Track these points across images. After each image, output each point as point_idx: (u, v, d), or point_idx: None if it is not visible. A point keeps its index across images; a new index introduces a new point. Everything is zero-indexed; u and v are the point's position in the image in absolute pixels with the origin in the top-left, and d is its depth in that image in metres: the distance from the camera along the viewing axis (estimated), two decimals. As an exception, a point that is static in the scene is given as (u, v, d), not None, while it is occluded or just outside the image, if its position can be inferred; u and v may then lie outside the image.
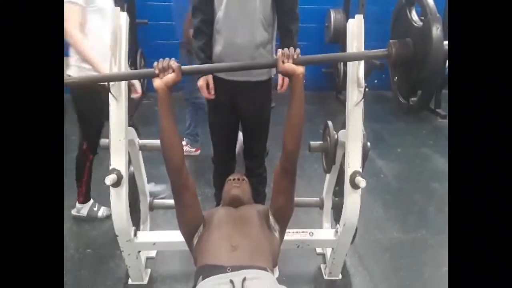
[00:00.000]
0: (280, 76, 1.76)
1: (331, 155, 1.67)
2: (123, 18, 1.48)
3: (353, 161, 1.50)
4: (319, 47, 4.67)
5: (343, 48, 3.89)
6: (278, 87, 1.76)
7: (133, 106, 3.43)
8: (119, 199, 1.51)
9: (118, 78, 1.47)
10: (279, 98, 1.89)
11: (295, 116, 1.28)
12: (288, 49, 1.25)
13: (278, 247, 1.34)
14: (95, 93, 1.88)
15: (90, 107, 2.04)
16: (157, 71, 1.23)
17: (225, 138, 1.90)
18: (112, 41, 1.47)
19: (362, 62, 1.47)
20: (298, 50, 1.25)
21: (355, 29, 1.46)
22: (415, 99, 1.33)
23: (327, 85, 4.70)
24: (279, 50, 1.27)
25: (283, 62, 1.25)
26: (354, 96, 1.48)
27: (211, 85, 1.72)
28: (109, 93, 1.47)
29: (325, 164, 1.79)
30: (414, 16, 1.43)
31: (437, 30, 1.18)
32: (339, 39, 4.18)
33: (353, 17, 1.50)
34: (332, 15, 4.30)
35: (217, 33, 1.66)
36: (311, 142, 1.76)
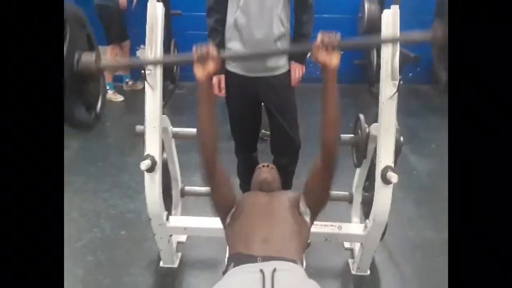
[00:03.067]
0: (292, 69, 1.76)
1: (362, 149, 1.65)
2: (159, 8, 1.51)
3: (385, 156, 1.47)
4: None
5: (378, 40, 3.80)
6: (292, 81, 1.76)
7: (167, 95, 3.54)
8: (153, 184, 1.56)
9: (156, 62, 1.51)
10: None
11: (331, 109, 1.23)
12: (327, 36, 1.17)
13: (308, 232, 1.34)
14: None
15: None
16: (195, 57, 1.20)
17: (248, 132, 1.92)
18: (148, 30, 1.51)
19: (397, 54, 1.44)
20: (338, 36, 1.18)
21: (391, 20, 1.43)
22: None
23: (360, 78, 4.60)
24: (319, 35, 1.18)
25: (319, 48, 1.17)
26: (388, 89, 1.45)
27: (223, 84, 1.78)
28: (145, 82, 1.52)
29: (355, 158, 1.77)
30: None
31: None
32: (373, 30, 4.07)
33: (389, 8, 1.46)
34: (366, 5, 4.19)
35: (236, 30, 1.68)
36: (342, 135, 1.73)
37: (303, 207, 1.34)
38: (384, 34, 1.46)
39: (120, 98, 4.16)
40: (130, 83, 4.42)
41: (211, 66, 1.20)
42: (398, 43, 1.42)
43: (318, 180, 1.31)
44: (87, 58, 1.13)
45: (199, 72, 1.21)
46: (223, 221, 1.36)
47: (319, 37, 1.17)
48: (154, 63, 1.51)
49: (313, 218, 1.36)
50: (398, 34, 1.40)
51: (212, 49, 1.19)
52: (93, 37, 1.26)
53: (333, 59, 1.18)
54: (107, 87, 4.06)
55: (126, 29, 4.09)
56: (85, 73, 1.14)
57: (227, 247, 1.32)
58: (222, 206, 1.36)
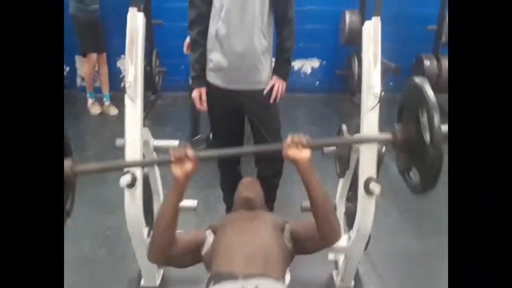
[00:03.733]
0: (274, 83, 1.78)
1: (345, 160, 1.65)
2: (140, 19, 1.49)
3: (368, 167, 1.47)
4: (333, 49, 4.64)
5: (358, 50, 3.84)
6: (272, 96, 1.78)
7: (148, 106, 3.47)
8: (133, 201, 1.52)
9: (135, 164, 1.53)
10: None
11: (317, 198, 1.24)
12: (297, 137, 1.22)
13: (291, 257, 1.33)
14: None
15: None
16: (173, 159, 1.20)
17: (231, 145, 1.90)
18: (129, 41, 1.49)
19: (378, 66, 1.45)
20: (307, 137, 1.23)
21: (372, 32, 1.44)
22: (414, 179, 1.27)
23: (341, 87, 4.66)
24: (289, 136, 1.24)
25: (289, 147, 1.22)
26: (369, 100, 1.46)
27: (204, 97, 1.77)
28: (125, 94, 1.48)
29: (338, 169, 1.77)
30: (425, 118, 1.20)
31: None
32: (354, 40, 4.14)
33: (369, 19, 1.48)
34: (347, 16, 4.26)
35: (217, 41, 1.68)
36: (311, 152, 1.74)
37: (286, 239, 1.34)
38: (365, 49, 1.47)
39: (115, 111, 3.96)
40: (106, 104, 4.13)
41: (188, 165, 1.19)
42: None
43: (313, 246, 1.33)
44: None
45: (177, 171, 1.20)
46: (198, 258, 1.34)
47: (289, 137, 1.23)
48: (133, 165, 1.50)
49: (294, 252, 1.36)
50: (379, 48, 1.43)
51: (189, 151, 1.20)
52: (69, 142, 1.25)
53: (303, 153, 1.21)
54: (104, 99, 4.00)
55: (103, 40, 3.95)
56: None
57: (206, 267, 1.30)
58: (192, 261, 1.35)
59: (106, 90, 4.07)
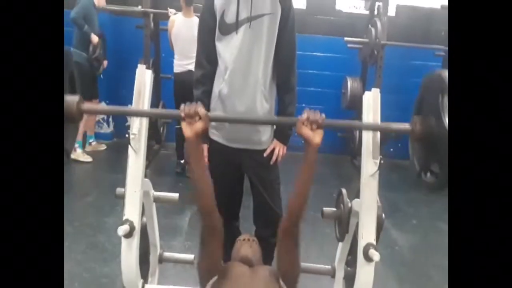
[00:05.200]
0: (274, 147, 1.80)
1: (345, 224, 1.65)
2: (148, 75, 1.57)
3: (367, 233, 1.46)
4: (335, 112, 4.78)
5: (359, 114, 3.96)
6: (273, 159, 1.79)
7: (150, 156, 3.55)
8: (129, 250, 1.49)
9: (142, 113, 1.52)
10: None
11: (305, 183, 1.26)
12: (313, 114, 1.23)
13: None
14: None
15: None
16: (182, 115, 1.22)
17: (230, 201, 1.89)
18: (136, 95, 1.55)
19: (378, 134, 1.50)
20: (323, 116, 1.24)
21: (371, 101, 1.50)
22: (432, 176, 1.29)
23: (342, 149, 4.74)
24: (304, 112, 1.24)
25: (303, 124, 1.22)
26: (369, 167, 1.49)
27: (206, 153, 1.77)
28: (129, 146, 1.52)
29: (338, 232, 1.76)
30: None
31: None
32: (355, 105, 4.29)
33: (370, 88, 1.54)
34: (349, 82, 4.45)
35: (220, 101, 1.73)
36: (325, 209, 1.72)
37: (282, 283, 1.30)
38: (364, 117, 1.52)
39: (88, 159, 4.04)
40: (93, 143, 4.39)
41: (199, 124, 1.22)
42: (379, 130, 1.48)
43: (284, 250, 1.31)
44: (70, 99, 1.10)
45: (187, 130, 1.22)
46: (202, 286, 1.30)
47: (305, 113, 1.22)
48: (140, 114, 1.51)
49: None
50: (378, 116, 1.47)
51: (200, 109, 1.22)
52: (76, 80, 1.24)
53: (316, 137, 1.23)
54: (76, 145, 3.96)
55: (97, 88, 4.18)
56: (66, 115, 1.08)
57: None
58: (206, 270, 1.31)
59: (92, 132, 4.40)
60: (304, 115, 1.22)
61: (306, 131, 1.22)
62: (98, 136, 4.60)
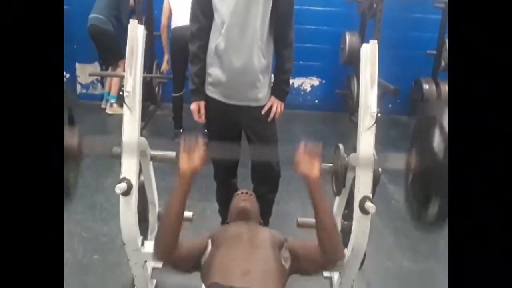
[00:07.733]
0: (272, 104, 1.79)
1: (341, 178, 1.66)
2: (140, 30, 1.51)
3: (363, 186, 1.47)
4: (334, 68, 4.70)
5: (357, 70, 3.90)
6: (270, 115, 1.78)
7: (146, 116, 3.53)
8: (128, 208, 1.51)
9: None
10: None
11: (324, 219, 1.25)
12: (309, 147, 1.22)
13: (286, 277, 1.31)
14: None
15: None
16: (182, 147, 1.20)
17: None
18: (128, 53, 1.50)
19: (375, 87, 1.47)
20: (319, 147, 1.24)
21: (369, 54, 1.47)
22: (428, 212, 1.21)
23: (340, 106, 4.70)
24: (301, 146, 1.24)
25: (302, 157, 1.22)
26: (366, 120, 1.47)
27: (203, 110, 1.78)
28: (124, 103, 1.49)
29: (334, 187, 1.77)
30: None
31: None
32: (353, 61, 4.20)
33: (368, 42, 1.50)
34: (348, 37, 4.34)
35: (216, 56, 1.69)
36: (321, 164, 1.74)
37: (283, 259, 1.31)
38: (362, 70, 1.49)
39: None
40: (114, 105, 4.21)
41: (197, 160, 1.19)
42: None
43: (310, 267, 1.32)
44: (70, 137, 1.03)
45: (184, 164, 1.20)
46: (198, 266, 1.32)
47: (301, 145, 1.22)
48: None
49: (290, 272, 1.34)
50: (376, 69, 1.44)
51: (200, 145, 1.20)
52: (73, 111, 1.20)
53: (314, 169, 1.22)
54: (112, 100, 4.12)
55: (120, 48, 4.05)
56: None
57: (202, 276, 1.28)
58: (192, 267, 1.34)
59: (115, 92, 4.24)
60: (301, 150, 1.22)
61: (304, 167, 1.21)
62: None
